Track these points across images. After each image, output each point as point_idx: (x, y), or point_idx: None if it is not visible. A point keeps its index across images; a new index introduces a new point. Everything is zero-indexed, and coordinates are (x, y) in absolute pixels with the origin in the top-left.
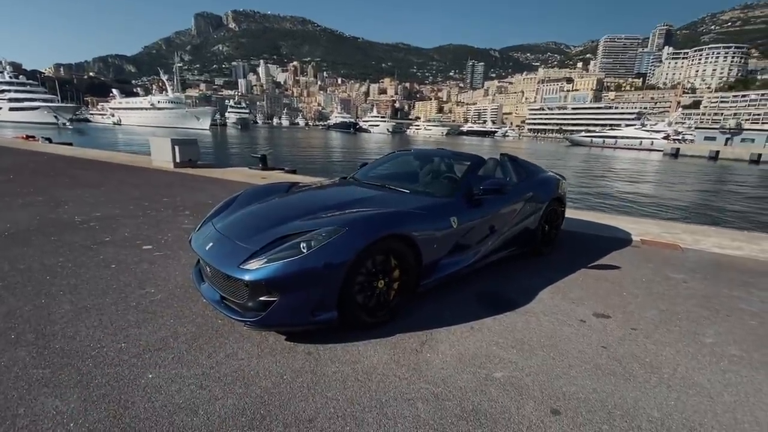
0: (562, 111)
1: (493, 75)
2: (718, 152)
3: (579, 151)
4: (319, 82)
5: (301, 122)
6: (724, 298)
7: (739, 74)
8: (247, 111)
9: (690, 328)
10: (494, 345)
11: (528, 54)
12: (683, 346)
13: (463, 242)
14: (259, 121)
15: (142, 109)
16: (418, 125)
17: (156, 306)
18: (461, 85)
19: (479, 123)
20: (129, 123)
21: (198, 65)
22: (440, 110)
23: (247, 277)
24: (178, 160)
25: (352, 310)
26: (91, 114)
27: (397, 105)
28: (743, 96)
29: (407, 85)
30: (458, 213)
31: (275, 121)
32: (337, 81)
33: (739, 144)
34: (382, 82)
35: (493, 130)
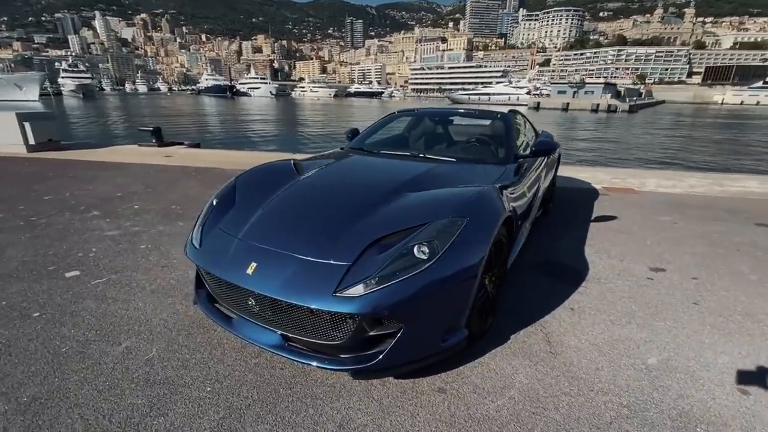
0: (440, 70)
1: (372, 33)
2: (568, 104)
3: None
4: (178, 39)
5: (163, 87)
6: (716, 234)
7: (577, 34)
8: (88, 75)
9: (729, 269)
10: (611, 324)
11: (403, 12)
12: (744, 287)
13: (528, 211)
14: (106, 88)
15: None
16: (304, 87)
17: (163, 370)
18: (342, 43)
19: (365, 84)
20: None
21: (5, 18)
22: (324, 70)
23: (356, 309)
24: (32, 141)
25: (474, 320)
26: None
27: (276, 65)
28: (581, 54)
29: (284, 43)
30: (524, 179)
31: (128, 86)
32: (201, 38)
33: (583, 96)
34: (255, 39)
35: (380, 90)
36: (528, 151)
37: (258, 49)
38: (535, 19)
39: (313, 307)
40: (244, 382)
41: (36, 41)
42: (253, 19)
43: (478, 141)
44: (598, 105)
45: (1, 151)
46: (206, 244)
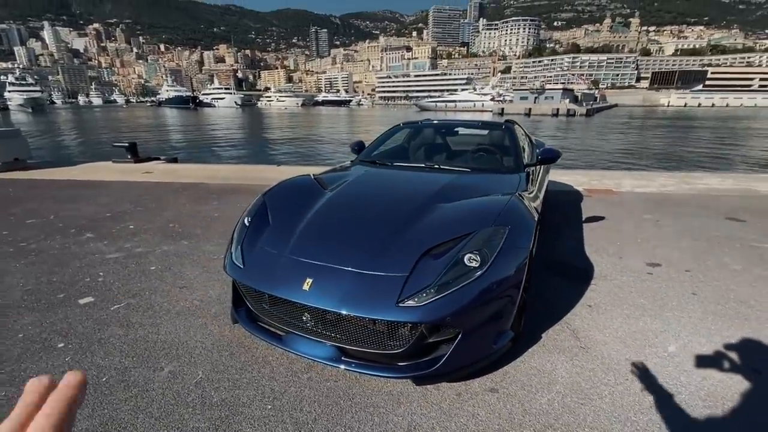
0: (406, 78)
1: (338, 43)
2: (530, 109)
3: (428, 115)
4: (135, 50)
5: (119, 99)
6: (696, 229)
7: (534, 43)
8: (37, 89)
9: (715, 261)
10: (627, 318)
11: (367, 22)
12: (732, 277)
13: (540, 216)
14: (57, 101)
15: None
16: (270, 96)
17: (217, 391)
18: (307, 52)
19: (333, 92)
20: None
21: None
22: (290, 80)
23: (421, 317)
24: None
25: (516, 322)
26: None
27: (240, 75)
28: (539, 61)
29: (248, 52)
30: (534, 185)
31: (81, 99)
32: (159, 48)
33: (543, 101)
34: (218, 49)
35: (348, 99)
36: (534, 159)
37: (221, 59)
38: (495, 29)
39: (378, 318)
40: (303, 397)
41: None
42: (215, 29)
43: (487, 151)
44: (558, 109)
45: None
46: (250, 263)
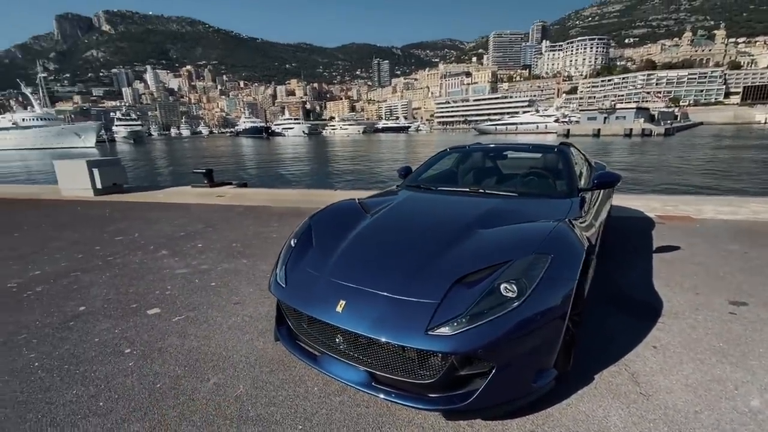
0: (465, 103)
1: (399, 72)
2: (599, 130)
3: (487, 138)
4: (219, 87)
5: (204, 130)
6: None
7: (603, 62)
8: (138, 123)
9: None
10: (701, 363)
11: (428, 51)
12: None
13: (596, 244)
14: (154, 133)
15: (2, 129)
16: (334, 125)
17: (254, 407)
18: (369, 83)
19: (392, 119)
20: None
21: (68, 74)
22: (353, 109)
23: (450, 347)
24: (99, 186)
25: (560, 359)
26: None
27: (308, 106)
28: (609, 80)
29: (315, 85)
30: (590, 212)
31: (173, 131)
32: (239, 84)
33: (614, 122)
34: (289, 83)
35: (407, 125)
36: (590, 184)
37: (291, 92)
38: (559, 49)
39: (406, 345)
40: (333, 421)
41: (94, 94)
42: (287, 65)
43: (537, 175)
44: (631, 130)
45: (72, 195)
46: (292, 282)
